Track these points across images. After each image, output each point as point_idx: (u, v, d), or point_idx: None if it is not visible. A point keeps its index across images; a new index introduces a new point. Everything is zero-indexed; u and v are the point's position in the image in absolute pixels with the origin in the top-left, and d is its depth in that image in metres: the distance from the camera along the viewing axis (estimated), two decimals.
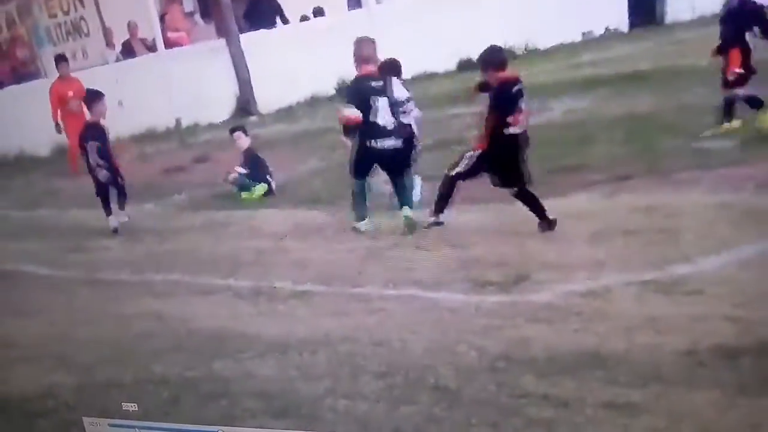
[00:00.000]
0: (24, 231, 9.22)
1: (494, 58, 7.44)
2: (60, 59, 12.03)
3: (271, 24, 14.07)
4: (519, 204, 7.32)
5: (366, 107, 7.68)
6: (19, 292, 7.72)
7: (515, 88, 7.22)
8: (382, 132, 7.73)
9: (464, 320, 5.95)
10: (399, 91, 7.81)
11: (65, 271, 8.03)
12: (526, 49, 14.27)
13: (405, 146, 7.84)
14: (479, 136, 7.34)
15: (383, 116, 7.71)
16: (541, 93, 11.12)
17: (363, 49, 7.92)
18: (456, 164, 7.41)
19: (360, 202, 7.89)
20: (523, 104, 7.20)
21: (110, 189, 9.08)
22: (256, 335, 6.19)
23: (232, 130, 9.91)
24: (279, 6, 14.48)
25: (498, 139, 7.17)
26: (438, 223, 7.47)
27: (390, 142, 7.76)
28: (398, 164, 7.87)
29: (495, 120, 7.18)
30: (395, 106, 7.74)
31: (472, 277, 6.50)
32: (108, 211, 9.07)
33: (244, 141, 9.71)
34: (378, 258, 7.10)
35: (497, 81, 7.29)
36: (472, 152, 7.35)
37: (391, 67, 8.05)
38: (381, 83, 7.75)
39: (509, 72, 7.41)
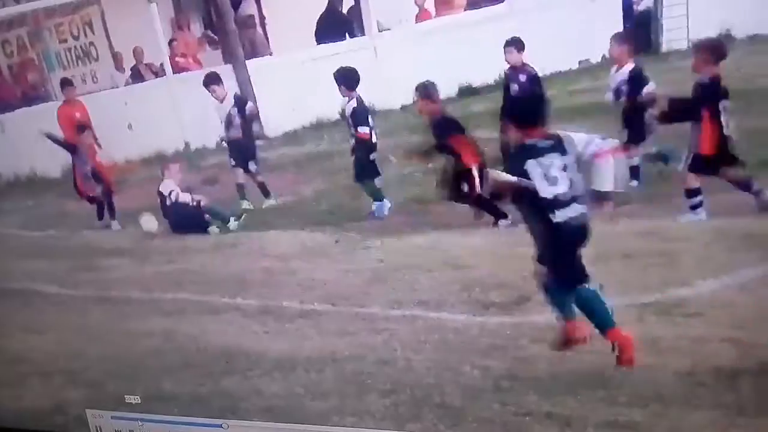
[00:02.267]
0: (35, 251, 9.23)
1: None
2: (65, 83, 12.09)
3: (341, 37, 14.08)
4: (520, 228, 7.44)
5: None
6: (31, 310, 7.73)
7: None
8: None
9: (468, 340, 5.97)
10: None
11: (75, 290, 8.04)
12: None
13: None
14: None
15: None
16: None
17: None
18: None
19: None
20: None
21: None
22: (264, 353, 6.23)
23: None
24: (350, 21, 14.51)
25: None
26: None
27: None
28: None
29: None
30: None
31: (475, 299, 6.51)
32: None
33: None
34: (383, 279, 7.11)
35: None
36: None
37: None
38: None
39: None
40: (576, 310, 5.45)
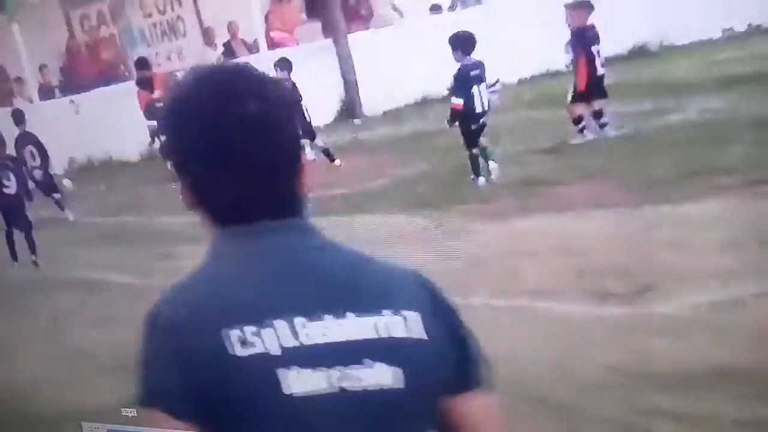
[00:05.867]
0: (108, 238, 9.35)
1: None
2: (140, 65, 12.34)
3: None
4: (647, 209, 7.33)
5: None
6: (101, 302, 7.88)
7: None
8: None
9: (581, 333, 5.88)
10: None
11: (151, 279, 8.13)
12: (661, 45, 14.16)
13: None
14: None
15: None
16: (676, 92, 10.99)
17: None
18: None
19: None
20: None
21: None
22: None
23: None
24: None
25: None
26: None
27: None
28: None
29: None
30: None
31: (592, 288, 6.40)
32: None
33: None
34: (485, 266, 7.03)
35: None
36: None
37: None
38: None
39: None
40: None
